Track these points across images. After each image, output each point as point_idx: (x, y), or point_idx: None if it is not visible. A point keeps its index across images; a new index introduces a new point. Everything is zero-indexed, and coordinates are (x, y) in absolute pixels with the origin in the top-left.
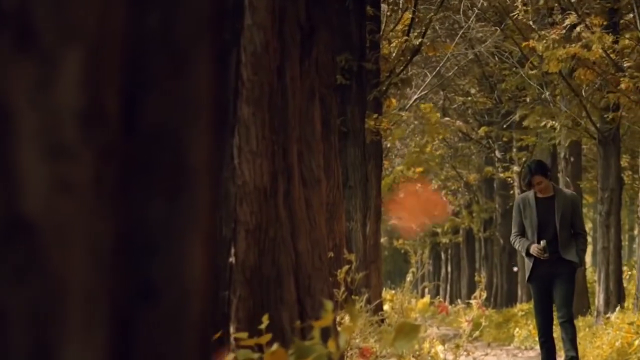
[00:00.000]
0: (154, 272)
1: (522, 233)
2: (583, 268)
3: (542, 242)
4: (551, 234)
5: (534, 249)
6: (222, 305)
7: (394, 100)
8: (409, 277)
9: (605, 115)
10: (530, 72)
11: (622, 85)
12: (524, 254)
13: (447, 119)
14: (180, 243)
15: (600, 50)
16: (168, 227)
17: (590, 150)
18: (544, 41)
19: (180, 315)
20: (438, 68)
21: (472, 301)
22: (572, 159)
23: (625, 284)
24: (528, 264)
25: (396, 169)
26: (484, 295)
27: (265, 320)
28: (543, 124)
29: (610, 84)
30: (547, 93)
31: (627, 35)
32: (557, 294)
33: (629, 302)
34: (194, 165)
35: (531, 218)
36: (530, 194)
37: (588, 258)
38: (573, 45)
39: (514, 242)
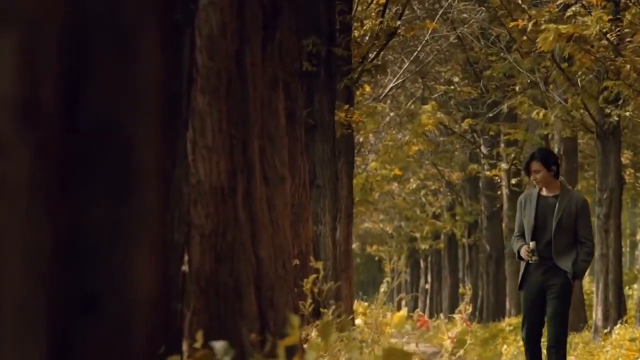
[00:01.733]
0: (97, 282)
1: (523, 234)
2: None
3: (532, 244)
4: (547, 237)
5: (523, 250)
6: (174, 319)
7: (367, 89)
8: (383, 288)
9: (605, 109)
10: (521, 51)
11: (621, 68)
12: (516, 256)
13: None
14: (126, 249)
15: (598, 30)
16: (113, 232)
17: (587, 146)
18: (535, 21)
19: (125, 329)
20: (416, 53)
21: (456, 316)
22: (566, 155)
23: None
24: (521, 268)
25: (370, 165)
26: (470, 309)
27: (199, 339)
28: (535, 112)
29: (610, 71)
30: (539, 81)
31: (628, 16)
32: (547, 311)
33: (630, 316)
34: (142, 163)
35: (529, 217)
36: (535, 190)
37: None
38: (568, 24)
39: (512, 244)
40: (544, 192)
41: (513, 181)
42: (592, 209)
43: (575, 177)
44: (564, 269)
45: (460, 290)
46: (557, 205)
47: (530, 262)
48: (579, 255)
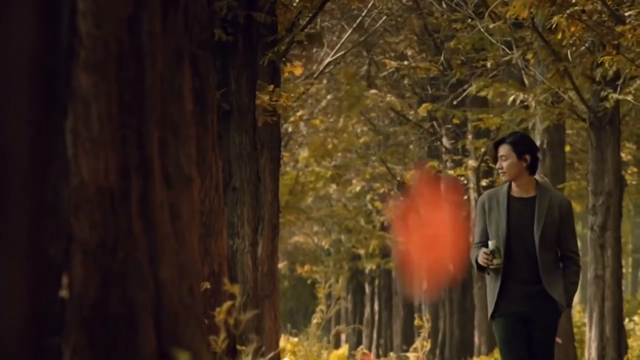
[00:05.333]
0: None
1: (486, 244)
2: None
3: (491, 243)
4: (527, 252)
5: (481, 255)
6: (50, 358)
7: (297, 66)
8: (316, 319)
9: (599, 90)
10: (492, 25)
11: (621, 40)
12: (476, 270)
13: (373, 91)
14: None
15: None
16: None
17: (578, 137)
18: None
19: None
20: (360, 19)
21: (411, 355)
22: (551, 149)
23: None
24: (491, 293)
25: (300, 158)
26: (428, 346)
27: None
28: (511, 98)
29: (607, 42)
30: (517, 55)
31: None
32: (531, 350)
33: (633, 355)
34: (8, 158)
35: (498, 224)
36: (501, 190)
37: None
38: None
39: (471, 257)
40: (516, 192)
41: (483, 182)
42: (585, 217)
43: (562, 178)
44: (555, 297)
45: (416, 321)
46: (536, 209)
47: (491, 266)
48: (567, 276)
